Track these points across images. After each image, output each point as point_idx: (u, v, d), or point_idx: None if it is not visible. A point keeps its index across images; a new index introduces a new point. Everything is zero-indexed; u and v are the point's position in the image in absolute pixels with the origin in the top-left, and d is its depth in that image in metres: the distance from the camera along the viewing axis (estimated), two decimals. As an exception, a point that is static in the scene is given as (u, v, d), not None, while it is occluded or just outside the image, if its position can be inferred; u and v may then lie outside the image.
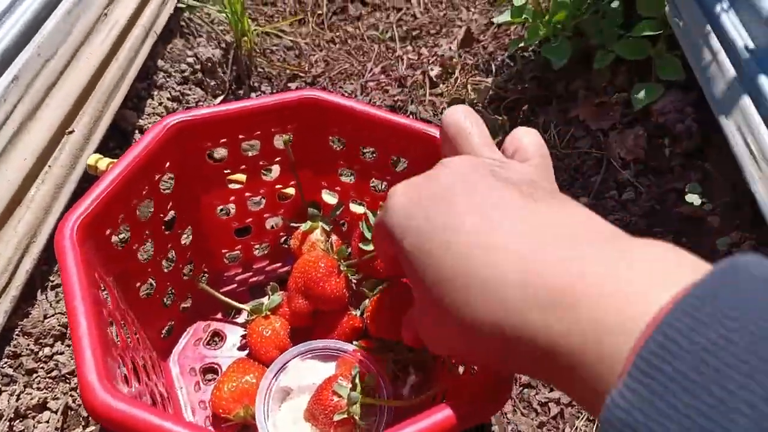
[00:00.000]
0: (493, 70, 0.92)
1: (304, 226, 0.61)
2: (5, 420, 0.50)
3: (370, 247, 0.53)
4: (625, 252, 0.22)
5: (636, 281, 0.20)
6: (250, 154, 0.57)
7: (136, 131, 0.81)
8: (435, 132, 0.53)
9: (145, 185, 0.48)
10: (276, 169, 0.61)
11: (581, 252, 0.23)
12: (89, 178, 0.65)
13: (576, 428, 0.53)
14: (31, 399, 0.52)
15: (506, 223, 0.25)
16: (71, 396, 0.53)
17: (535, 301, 0.22)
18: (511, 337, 0.23)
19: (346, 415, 0.45)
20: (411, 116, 0.92)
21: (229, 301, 0.60)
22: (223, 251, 0.64)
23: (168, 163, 0.51)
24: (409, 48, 1.04)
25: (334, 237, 0.62)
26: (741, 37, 0.62)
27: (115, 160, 0.49)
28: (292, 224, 0.63)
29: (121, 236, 0.61)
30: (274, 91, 0.97)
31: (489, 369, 0.35)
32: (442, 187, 0.29)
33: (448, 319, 0.26)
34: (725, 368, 0.16)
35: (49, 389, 0.53)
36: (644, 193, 0.69)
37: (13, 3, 0.70)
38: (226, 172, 0.57)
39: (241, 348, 0.60)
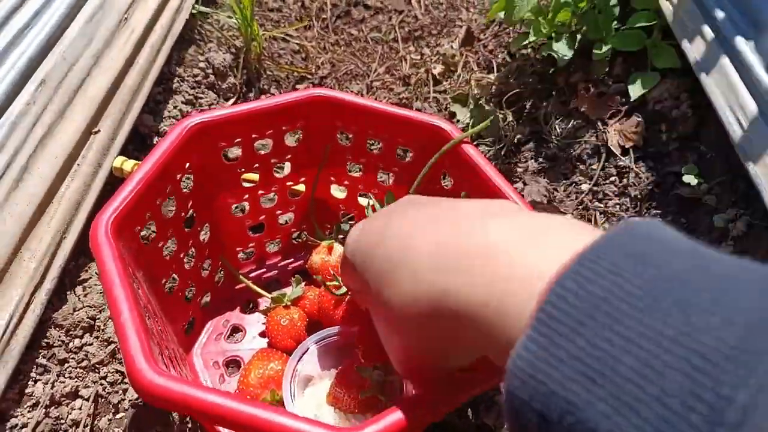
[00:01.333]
0: (495, 67, 0.95)
1: (326, 242, 0.64)
2: (41, 407, 0.54)
3: None
4: (528, 222, 0.24)
5: (539, 245, 0.22)
6: (262, 152, 0.61)
7: (154, 134, 0.85)
8: (439, 122, 0.57)
9: (168, 184, 0.52)
10: (287, 167, 0.65)
11: (486, 224, 0.25)
12: (114, 177, 0.69)
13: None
14: (65, 387, 0.55)
15: (429, 222, 0.28)
16: (101, 384, 0.57)
17: (445, 266, 0.24)
18: (433, 313, 0.25)
19: (371, 393, 0.48)
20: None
21: (257, 288, 0.63)
22: (238, 249, 0.68)
23: (188, 164, 0.55)
24: (412, 48, 1.08)
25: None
26: (731, 20, 0.66)
27: (139, 162, 0.53)
28: (310, 241, 0.66)
29: (147, 233, 0.64)
30: (283, 92, 1.00)
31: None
32: (389, 209, 0.34)
33: (389, 317, 0.28)
34: (616, 313, 0.17)
35: (80, 378, 0.57)
36: (643, 178, 0.72)
37: (38, 11, 0.75)
38: (240, 170, 0.61)
39: (260, 340, 0.63)
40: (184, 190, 0.56)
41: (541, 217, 0.25)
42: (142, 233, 0.52)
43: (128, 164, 0.53)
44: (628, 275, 0.18)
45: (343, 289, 0.58)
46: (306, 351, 0.57)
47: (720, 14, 0.68)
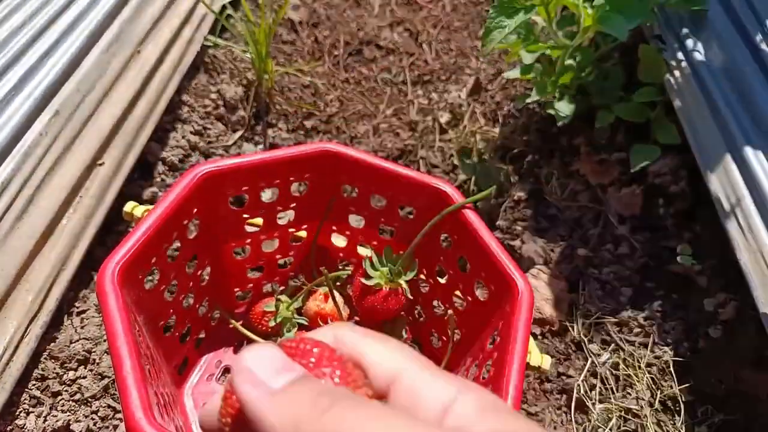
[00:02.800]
0: (500, 120, 0.99)
1: (323, 289, 0.67)
2: (32, 442, 0.56)
3: (371, 282, 0.60)
4: None
5: None
6: (267, 200, 0.64)
7: (160, 163, 0.88)
8: (442, 186, 0.60)
9: (175, 231, 0.55)
10: (291, 214, 0.68)
11: None
12: (115, 209, 0.72)
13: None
14: (57, 421, 0.57)
15: None
16: (92, 419, 0.59)
17: None
18: None
19: None
20: (421, 160, 0.98)
21: (250, 334, 0.65)
22: (235, 289, 0.70)
23: (195, 210, 0.57)
24: (420, 92, 1.12)
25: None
26: (733, 114, 0.69)
27: (150, 207, 0.55)
28: (312, 287, 0.69)
29: (150, 278, 0.67)
30: (290, 127, 1.04)
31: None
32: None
33: None
34: None
35: (72, 412, 0.59)
36: (639, 250, 0.75)
37: (59, 39, 0.78)
38: (245, 216, 0.63)
39: (250, 382, 0.65)
40: (190, 236, 0.58)
41: None
42: (147, 278, 0.55)
43: (138, 210, 0.55)
44: None
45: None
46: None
47: (725, 110, 0.71)
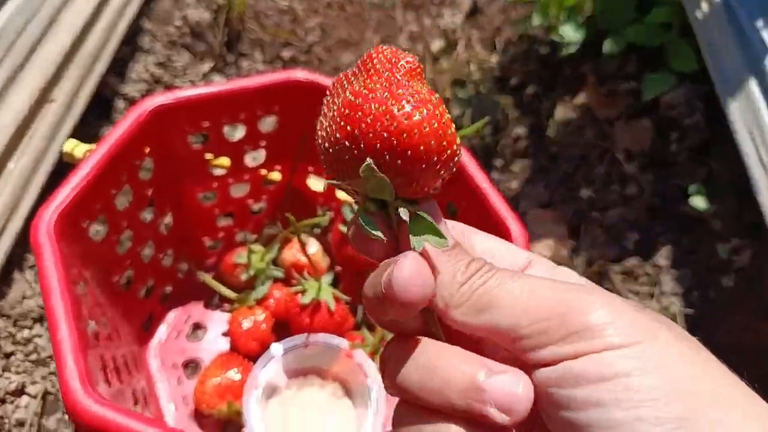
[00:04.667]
0: (498, 47, 0.92)
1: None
2: (-19, 406, 0.52)
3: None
4: None
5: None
6: (233, 139, 0.58)
7: (119, 99, 0.82)
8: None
9: (123, 173, 0.49)
10: (262, 154, 0.62)
11: None
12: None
13: None
14: (9, 383, 0.54)
15: None
16: (50, 381, 0.55)
17: None
18: None
19: None
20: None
21: (221, 287, 0.61)
22: (204, 238, 0.65)
23: (148, 149, 0.52)
24: (411, 17, 1.03)
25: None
26: (758, 33, 0.62)
27: (93, 146, 0.50)
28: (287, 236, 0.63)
29: (98, 228, 0.62)
30: (266, 58, 0.96)
31: None
32: None
33: None
34: None
35: (28, 373, 0.55)
36: (647, 189, 0.70)
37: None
38: (208, 157, 0.58)
39: (223, 340, 0.62)
40: (143, 179, 0.53)
41: None
42: (93, 228, 0.50)
43: (80, 149, 0.50)
44: None
45: (310, 296, 0.56)
46: (271, 359, 0.55)
47: (749, 29, 0.64)
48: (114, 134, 0.48)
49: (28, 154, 0.62)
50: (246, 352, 0.58)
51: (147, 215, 0.56)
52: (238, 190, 0.64)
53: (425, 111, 0.20)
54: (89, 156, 0.46)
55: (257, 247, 0.62)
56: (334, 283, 0.61)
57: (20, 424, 0.53)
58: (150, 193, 0.55)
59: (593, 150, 0.75)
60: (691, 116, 0.71)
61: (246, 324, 0.58)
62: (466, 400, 0.20)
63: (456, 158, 0.22)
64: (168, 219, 0.60)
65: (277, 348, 0.55)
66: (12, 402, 0.53)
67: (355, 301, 0.61)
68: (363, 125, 0.20)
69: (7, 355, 0.56)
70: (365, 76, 0.21)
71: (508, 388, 0.20)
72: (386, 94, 0.20)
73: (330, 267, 0.64)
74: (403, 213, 0.23)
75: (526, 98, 0.83)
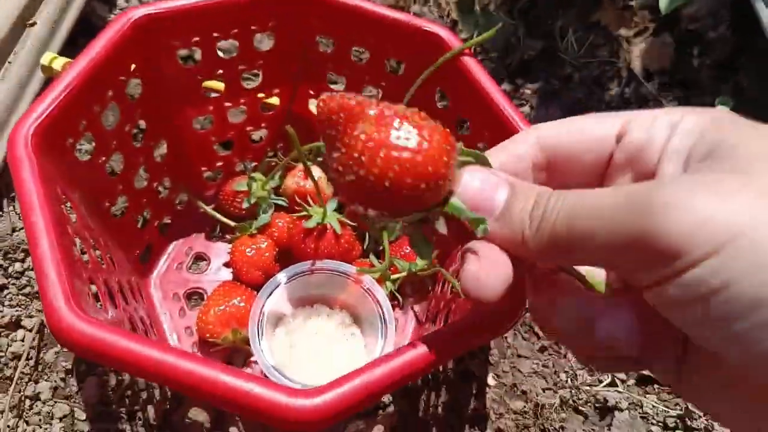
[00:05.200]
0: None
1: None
2: (-23, 340, 0.50)
3: None
4: None
5: None
6: (227, 57, 0.54)
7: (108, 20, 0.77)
8: (436, 29, 0.50)
9: (108, 89, 0.46)
10: (258, 76, 0.58)
11: None
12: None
13: (576, 356, 0.54)
14: (3, 317, 0.52)
15: None
16: (47, 316, 0.53)
17: None
18: None
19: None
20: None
21: (221, 217, 0.59)
22: (203, 168, 0.62)
23: (133, 66, 0.48)
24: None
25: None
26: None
27: (73, 60, 0.46)
28: (288, 162, 0.60)
29: (85, 147, 0.59)
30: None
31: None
32: None
33: None
34: None
35: (23, 306, 0.53)
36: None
37: None
38: (200, 78, 0.54)
39: (226, 271, 0.59)
40: (132, 98, 0.49)
41: None
42: (79, 147, 0.47)
43: (59, 62, 0.46)
44: None
45: (315, 221, 0.53)
46: (276, 287, 0.53)
47: None
48: (96, 45, 0.44)
49: (9, 80, 0.59)
50: (249, 281, 0.55)
51: (138, 140, 0.52)
52: (235, 116, 0.61)
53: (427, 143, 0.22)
54: (69, 68, 0.42)
55: (258, 175, 0.59)
56: (339, 211, 0.58)
57: (16, 357, 0.51)
58: (139, 114, 0.51)
59: (610, 70, 0.70)
60: (716, 29, 0.66)
61: (248, 252, 0.55)
62: None
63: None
64: (162, 147, 0.57)
65: (281, 276, 0.53)
66: (7, 336, 0.52)
67: (362, 227, 0.58)
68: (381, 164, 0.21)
69: (0, 289, 0.54)
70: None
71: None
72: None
73: (334, 194, 0.61)
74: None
75: (538, 19, 0.78)
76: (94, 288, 0.39)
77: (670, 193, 0.17)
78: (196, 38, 0.50)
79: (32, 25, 0.62)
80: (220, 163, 0.63)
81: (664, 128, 0.22)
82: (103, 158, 0.47)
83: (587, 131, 0.24)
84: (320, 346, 0.52)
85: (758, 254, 0.16)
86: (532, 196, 0.22)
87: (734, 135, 0.19)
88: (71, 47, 0.67)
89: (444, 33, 0.50)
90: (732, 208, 0.17)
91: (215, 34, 0.51)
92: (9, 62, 0.60)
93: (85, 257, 0.40)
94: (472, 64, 0.49)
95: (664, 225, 0.17)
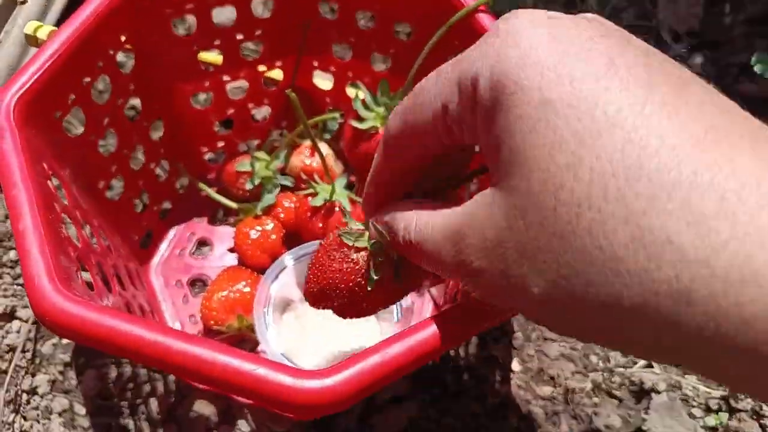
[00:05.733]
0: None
1: (309, 142, 0.55)
2: (-31, 333, 0.48)
3: (365, 125, 0.49)
4: None
5: None
6: (223, 25, 0.51)
7: None
8: (449, -12, 0.46)
9: (97, 60, 0.43)
10: (258, 47, 0.55)
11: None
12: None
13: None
14: (-3, 307, 0.49)
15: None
16: (43, 307, 0.51)
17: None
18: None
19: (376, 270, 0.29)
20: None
21: (223, 199, 0.56)
22: (203, 149, 0.59)
23: (124, 37, 0.45)
24: None
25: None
26: None
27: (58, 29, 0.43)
28: (293, 140, 0.57)
29: (76, 123, 0.56)
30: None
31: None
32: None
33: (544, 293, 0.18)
34: None
35: (18, 297, 0.51)
36: (699, 70, 0.61)
37: None
38: (196, 48, 0.51)
39: (231, 256, 0.57)
40: (123, 72, 0.47)
41: None
42: (68, 121, 0.44)
43: (43, 31, 0.43)
44: None
45: (323, 198, 0.50)
46: (283, 269, 0.50)
47: None
48: (81, 13, 0.41)
49: (1, 60, 0.56)
50: (255, 265, 0.52)
51: (131, 113, 0.50)
52: (236, 92, 0.58)
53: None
54: (53, 36, 0.39)
55: (261, 154, 0.56)
56: (348, 188, 0.55)
57: (12, 349, 0.48)
58: (133, 89, 0.48)
59: (634, 32, 0.66)
60: (749, -18, 0.62)
61: (253, 234, 0.52)
62: None
63: None
64: (159, 126, 0.54)
65: (287, 258, 0.50)
66: (2, 327, 0.49)
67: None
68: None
69: (-4, 279, 0.51)
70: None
71: None
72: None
73: (343, 172, 0.58)
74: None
75: (554, -16, 0.74)
76: (87, 275, 0.36)
77: None
78: (190, 5, 0.47)
79: (23, 2, 0.60)
80: (221, 143, 0.60)
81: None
82: (94, 135, 0.44)
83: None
84: (333, 331, 0.49)
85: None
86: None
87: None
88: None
89: (456, -11, 0.46)
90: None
91: (210, 0, 0.48)
92: (0, 41, 0.57)
93: (76, 238, 0.37)
94: (489, 22, 0.45)
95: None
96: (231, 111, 0.58)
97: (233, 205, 0.55)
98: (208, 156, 0.60)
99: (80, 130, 0.43)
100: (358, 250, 0.28)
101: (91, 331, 0.27)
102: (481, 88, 0.19)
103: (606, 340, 0.18)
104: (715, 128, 0.16)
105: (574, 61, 0.17)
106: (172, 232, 0.57)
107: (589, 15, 0.20)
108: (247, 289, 0.49)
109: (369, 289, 0.28)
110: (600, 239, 0.15)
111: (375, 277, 0.28)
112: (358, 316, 0.30)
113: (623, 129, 0.16)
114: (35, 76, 0.37)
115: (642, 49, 0.18)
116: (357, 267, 0.28)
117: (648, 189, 0.15)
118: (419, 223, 0.23)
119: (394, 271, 0.28)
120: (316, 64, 0.57)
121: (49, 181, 0.36)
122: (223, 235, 0.58)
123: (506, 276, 0.18)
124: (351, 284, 0.28)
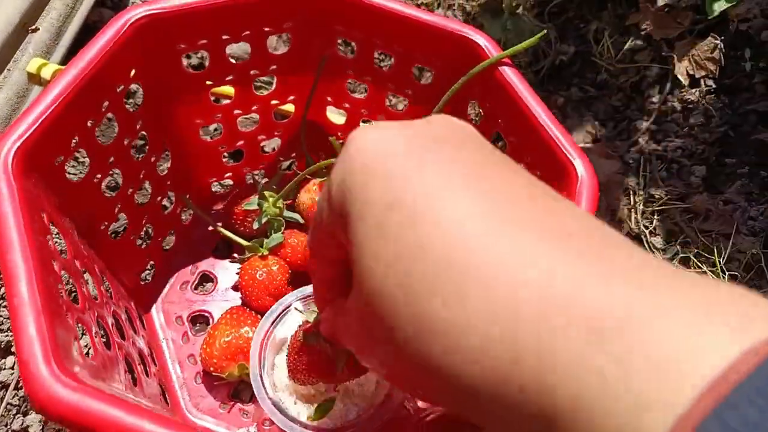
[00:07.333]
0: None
1: (318, 179, 0.53)
2: (-39, 371, 0.45)
3: None
4: (670, 288, 0.16)
5: (690, 332, 0.15)
6: (237, 61, 0.48)
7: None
8: (472, 34, 0.44)
9: (104, 99, 0.40)
10: (272, 81, 0.52)
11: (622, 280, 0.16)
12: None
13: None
14: (-6, 346, 0.46)
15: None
16: (39, 345, 0.47)
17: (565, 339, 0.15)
18: (498, 389, 0.16)
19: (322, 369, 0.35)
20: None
21: (231, 235, 0.53)
22: (210, 180, 0.56)
23: (133, 71, 0.42)
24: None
25: None
26: None
27: (64, 67, 0.40)
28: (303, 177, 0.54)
29: (77, 166, 0.53)
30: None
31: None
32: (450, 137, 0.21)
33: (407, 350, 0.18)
34: None
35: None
36: (716, 117, 0.59)
37: None
38: (208, 83, 0.48)
39: (235, 294, 0.54)
40: (131, 107, 0.43)
41: (683, 278, 0.16)
42: (71, 166, 0.41)
43: (48, 70, 0.40)
44: None
45: None
46: (286, 310, 0.47)
47: None
48: (90, 50, 0.38)
49: (8, 89, 0.53)
50: (259, 308, 0.49)
51: (139, 153, 0.46)
52: (246, 124, 0.55)
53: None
54: (58, 77, 0.36)
55: (269, 192, 0.53)
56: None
57: (4, 386, 0.45)
58: (140, 126, 0.45)
59: (650, 76, 0.64)
60: (771, 30, 0.60)
61: (260, 275, 0.49)
62: None
63: None
64: (166, 158, 0.51)
65: (291, 297, 0.46)
66: (-5, 365, 0.46)
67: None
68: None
69: (-8, 313, 0.48)
70: None
71: None
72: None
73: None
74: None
75: (570, 22, 0.71)
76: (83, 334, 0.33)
77: None
78: (203, 40, 0.44)
79: (34, 30, 0.56)
80: (228, 174, 0.57)
81: None
82: (99, 176, 0.41)
83: None
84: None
85: None
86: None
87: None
88: (73, 54, 0.61)
89: (481, 40, 0.43)
90: None
91: (224, 36, 0.45)
92: (8, 69, 0.54)
93: (75, 298, 0.34)
94: (511, 75, 0.42)
95: None
96: (241, 143, 0.55)
97: (242, 242, 0.52)
98: (215, 187, 0.57)
99: (82, 172, 0.40)
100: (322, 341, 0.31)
101: (89, 421, 0.24)
102: (333, 199, 0.21)
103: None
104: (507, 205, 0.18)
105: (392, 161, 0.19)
106: (175, 265, 0.54)
107: (432, 117, 0.22)
108: (250, 335, 0.46)
109: (338, 372, 0.32)
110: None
111: (341, 363, 0.32)
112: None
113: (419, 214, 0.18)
114: (36, 124, 0.34)
115: (471, 149, 0.20)
116: (324, 356, 0.33)
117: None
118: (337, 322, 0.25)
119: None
120: (330, 99, 0.54)
121: (48, 235, 0.33)
122: (227, 270, 0.55)
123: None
124: (323, 371, 0.34)
